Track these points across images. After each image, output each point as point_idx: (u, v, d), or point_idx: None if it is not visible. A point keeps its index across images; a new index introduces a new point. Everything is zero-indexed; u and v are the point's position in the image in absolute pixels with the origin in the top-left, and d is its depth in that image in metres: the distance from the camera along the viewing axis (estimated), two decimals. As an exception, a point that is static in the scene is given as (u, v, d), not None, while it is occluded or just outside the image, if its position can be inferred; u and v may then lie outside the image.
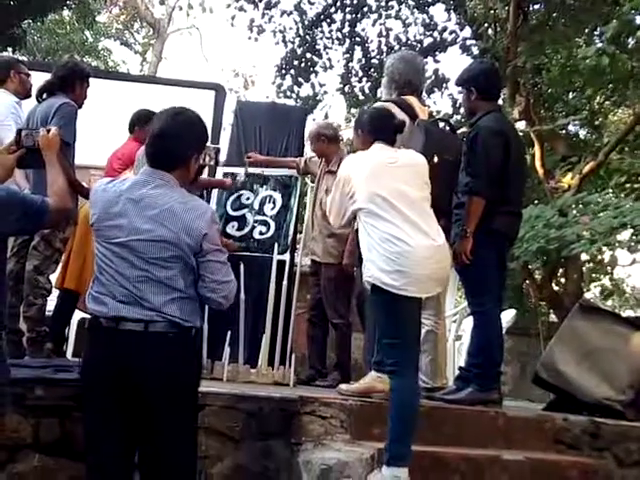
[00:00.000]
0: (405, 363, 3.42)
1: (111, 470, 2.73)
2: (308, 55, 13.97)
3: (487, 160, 4.27)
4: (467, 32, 13.09)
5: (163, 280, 2.69)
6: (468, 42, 12.97)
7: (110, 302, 2.68)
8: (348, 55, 14.02)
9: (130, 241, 2.70)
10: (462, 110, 11.48)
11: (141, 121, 5.34)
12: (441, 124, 4.51)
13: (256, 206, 5.72)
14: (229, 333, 4.90)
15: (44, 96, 4.50)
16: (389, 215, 3.53)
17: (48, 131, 3.14)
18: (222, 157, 5.78)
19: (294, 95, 13.92)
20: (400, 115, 4.27)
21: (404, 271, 3.43)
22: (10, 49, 14.29)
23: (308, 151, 6.25)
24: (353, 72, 14.10)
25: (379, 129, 3.84)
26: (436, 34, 13.47)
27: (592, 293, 14.89)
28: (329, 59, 14.16)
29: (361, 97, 14.02)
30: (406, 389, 3.40)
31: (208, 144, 3.31)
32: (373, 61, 13.88)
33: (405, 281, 3.43)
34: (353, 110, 14.23)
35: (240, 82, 22.63)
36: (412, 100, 4.66)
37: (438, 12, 29.54)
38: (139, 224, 2.71)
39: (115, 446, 2.71)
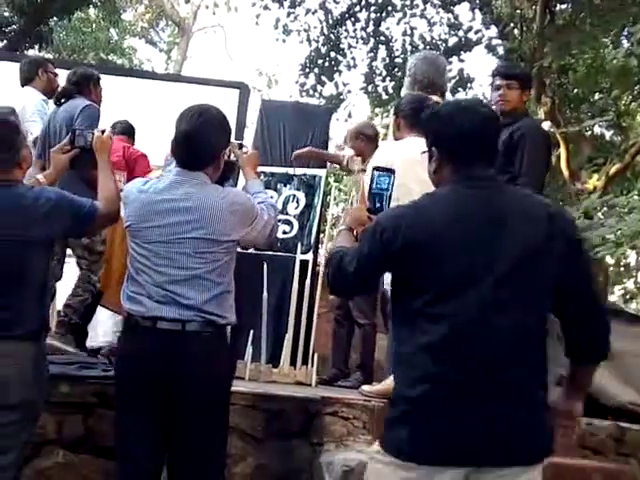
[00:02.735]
0: None
1: (143, 468, 2.75)
2: (332, 54, 13.99)
3: (539, 160, 4.23)
4: (492, 32, 13.05)
5: (206, 276, 2.72)
6: (494, 42, 12.93)
7: (147, 302, 2.71)
8: (372, 54, 14.03)
9: (172, 240, 2.73)
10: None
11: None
12: None
13: (279, 205, 5.71)
14: (251, 332, 4.90)
15: (62, 100, 4.58)
16: None
17: (102, 132, 3.16)
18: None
19: (317, 94, 13.95)
20: None
21: None
22: (37, 47, 14.43)
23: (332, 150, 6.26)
24: (377, 71, 14.11)
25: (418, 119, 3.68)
26: (461, 33, 13.42)
27: (615, 296, 14.77)
28: (353, 58, 14.20)
29: (385, 96, 14.00)
30: None
31: (232, 140, 3.32)
32: (397, 60, 13.86)
33: None
34: (377, 109, 14.21)
35: (264, 81, 22.72)
36: (434, 99, 4.63)
37: (463, 11, 29.34)
38: (181, 223, 2.74)
39: (147, 445, 2.73)
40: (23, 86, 5.08)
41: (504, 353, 2.10)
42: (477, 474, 2.09)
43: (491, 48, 12.84)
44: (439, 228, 2.15)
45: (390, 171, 2.65)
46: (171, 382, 2.67)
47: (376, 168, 2.70)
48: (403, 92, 4.79)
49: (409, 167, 3.46)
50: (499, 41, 12.76)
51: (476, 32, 13.18)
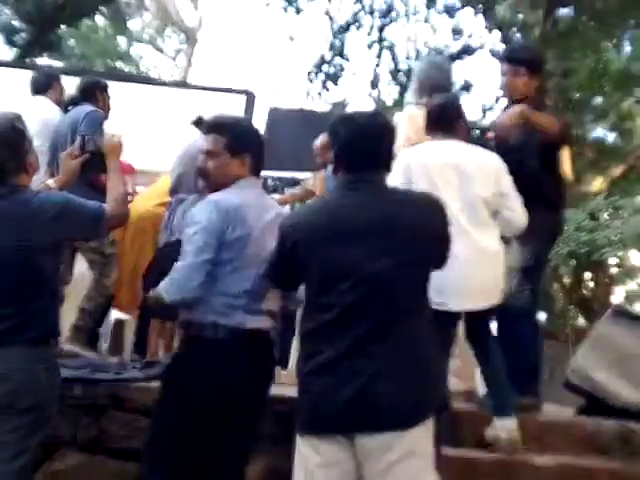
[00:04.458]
0: None
1: None
2: (337, 60, 14.04)
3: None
4: (495, 37, 13.07)
5: None
6: (497, 47, 12.94)
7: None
8: (376, 60, 14.07)
9: None
10: (489, 113, 11.48)
11: None
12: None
13: (288, 209, 5.76)
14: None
15: (69, 108, 4.66)
16: None
17: (113, 136, 3.20)
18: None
19: (322, 100, 14.00)
20: None
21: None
22: (46, 54, 14.53)
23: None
24: (381, 77, 14.14)
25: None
26: (464, 39, 13.47)
27: (618, 297, 14.75)
28: (357, 64, 14.24)
29: (389, 102, 14.03)
30: None
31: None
32: (401, 66, 13.90)
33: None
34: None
35: (268, 87, 22.75)
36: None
37: (466, 17, 29.38)
38: None
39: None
40: (35, 95, 5.11)
41: (374, 330, 2.38)
42: (360, 440, 2.35)
43: (494, 53, 12.88)
44: (313, 230, 2.51)
45: None
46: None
47: None
48: (410, 96, 4.81)
49: (439, 170, 3.49)
50: (502, 46, 12.79)
51: (479, 37, 13.26)
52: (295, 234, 2.53)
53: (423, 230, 2.52)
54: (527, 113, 3.88)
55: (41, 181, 3.31)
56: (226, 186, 2.88)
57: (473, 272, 3.40)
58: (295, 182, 5.88)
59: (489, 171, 3.55)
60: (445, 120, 3.66)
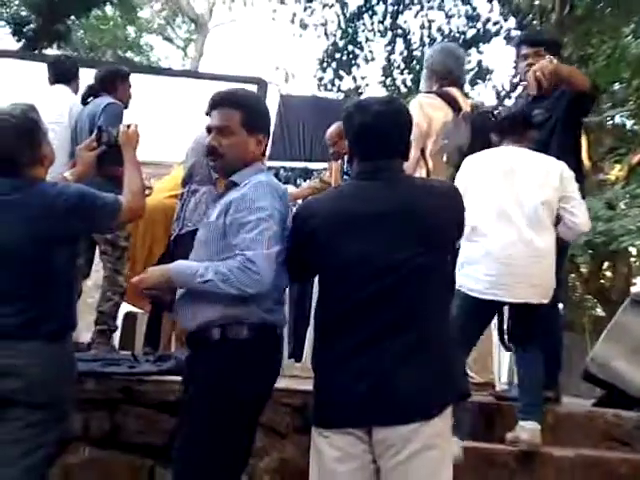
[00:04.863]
0: None
1: None
2: (350, 48, 13.97)
3: None
4: (511, 23, 12.95)
5: None
6: (512, 33, 12.82)
7: None
8: (390, 47, 14.00)
9: None
10: (507, 101, 11.37)
11: None
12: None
13: (300, 200, 5.71)
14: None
15: (89, 99, 4.59)
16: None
17: (128, 127, 3.16)
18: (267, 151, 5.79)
19: (335, 88, 13.93)
20: (443, 107, 4.22)
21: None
22: (55, 45, 14.51)
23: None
24: (395, 64, 14.05)
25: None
26: (479, 25, 13.34)
27: (637, 286, 14.64)
28: (371, 51, 14.18)
29: (403, 89, 13.95)
30: None
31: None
32: (415, 53, 13.83)
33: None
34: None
35: (281, 75, 22.69)
36: (454, 92, 4.58)
37: (481, 3, 29.23)
38: None
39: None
40: (53, 84, 4.99)
41: (392, 321, 2.33)
42: (377, 433, 2.31)
43: (510, 39, 12.76)
44: (330, 219, 2.45)
45: None
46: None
47: None
48: (422, 84, 4.74)
49: (495, 173, 3.60)
50: (518, 32, 12.66)
51: (494, 24, 13.12)
52: (310, 224, 2.47)
53: (441, 218, 2.47)
54: (559, 66, 3.88)
55: (58, 172, 3.27)
56: (239, 169, 2.66)
57: (528, 268, 3.49)
58: (308, 173, 5.82)
59: (554, 176, 3.62)
60: (517, 128, 3.76)
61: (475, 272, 3.52)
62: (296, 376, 4.74)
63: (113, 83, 4.66)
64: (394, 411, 2.30)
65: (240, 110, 2.65)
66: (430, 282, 2.43)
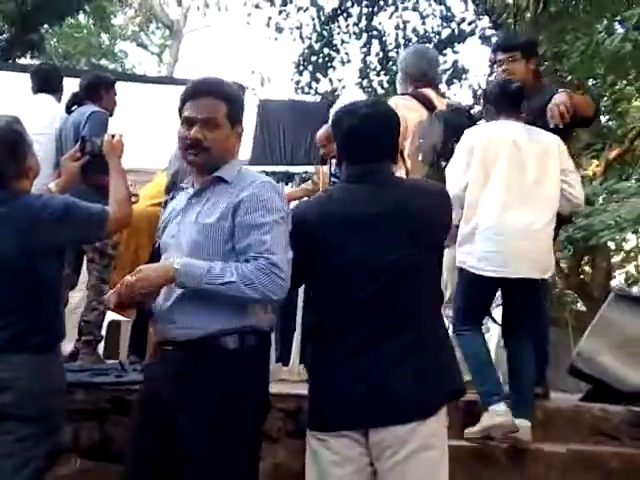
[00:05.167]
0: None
1: None
2: (325, 50, 14.00)
3: None
4: (486, 22, 13.03)
5: None
6: (487, 32, 12.91)
7: None
8: (365, 49, 14.04)
9: None
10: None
11: None
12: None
13: (294, 202, 5.69)
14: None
15: (73, 108, 4.55)
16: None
17: (113, 136, 3.14)
18: (246, 156, 5.78)
19: (312, 91, 13.94)
20: (418, 108, 4.26)
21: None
22: (29, 54, 14.40)
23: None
24: (371, 66, 14.10)
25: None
26: (454, 25, 13.42)
27: (617, 281, 14.78)
28: (347, 54, 14.23)
29: (380, 91, 13.98)
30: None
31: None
32: (391, 54, 13.86)
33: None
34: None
35: (257, 80, 22.64)
36: (429, 92, 4.62)
37: (455, 3, 29.46)
38: None
39: None
40: (37, 93, 4.93)
41: (388, 324, 2.35)
42: (374, 435, 2.30)
43: (485, 38, 12.84)
44: (322, 223, 2.45)
45: None
46: None
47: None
48: (398, 87, 4.78)
49: (498, 147, 3.64)
50: (493, 31, 12.75)
51: (469, 23, 13.20)
52: (303, 229, 2.46)
53: (432, 218, 2.50)
54: (572, 100, 3.97)
55: (43, 183, 3.25)
56: (221, 164, 2.48)
57: (528, 242, 3.56)
58: (289, 176, 5.80)
59: (552, 149, 3.71)
60: (508, 101, 3.80)
61: (475, 249, 3.57)
62: (284, 380, 4.74)
63: (98, 91, 4.62)
64: (391, 412, 2.30)
65: (226, 102, 2.48)
66: (423, 281, 2.44)
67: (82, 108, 4.50)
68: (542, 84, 4.42)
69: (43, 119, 4.63)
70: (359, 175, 2.50)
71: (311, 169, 5.78)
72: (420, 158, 4.05)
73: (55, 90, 4.93)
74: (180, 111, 2.51)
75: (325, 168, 5.26)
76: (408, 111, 4.23)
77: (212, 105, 2.46)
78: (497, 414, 3.47)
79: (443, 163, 3.84)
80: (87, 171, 3.34)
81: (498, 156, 3.64)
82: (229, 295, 2.30)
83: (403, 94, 4.61)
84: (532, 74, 4.34)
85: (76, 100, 4.60)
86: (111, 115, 4.62)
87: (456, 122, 4.13)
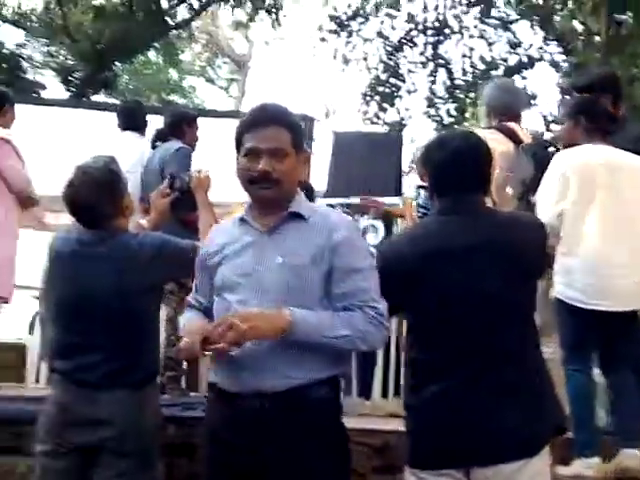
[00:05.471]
0: None
1: None
2: (392, 80, 13.99)
3: None
4: (554, 47, 12.86)
5: None
6: (556, 57, 12.75)
7: None
8: (432, 78, 13.99)
9: None
10: (553, 126, 11.28)
11: None
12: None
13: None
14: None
15: (157, 143, 4.66)
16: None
17: (199, 172, 3.20)
18: (322, 187, 5.82)
19: (380, 121, 13.95)
20: (505, 142, 4.22)
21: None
22: (102, 91, 14.84)
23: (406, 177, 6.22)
24: (438, 94, 14.06)
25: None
26: (521, 51, 13.31)
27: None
28: (413, 83, 14.17)
29: (447, 119, 13.94)
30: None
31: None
32: (457, 82, 13.80)
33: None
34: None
35: (322, 111, 22.82)
36: (514, 126, 4.58)
37: (522, 29, 29.25)
38: None
39: None
40: (124, 130, 5.09)
41: (488, 359, 2.31)
42: (477, 473, 2.25)
43: (554, 64, 12.69)
44: (418, 257, 2.40)
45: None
46: None
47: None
48: (481, 121, 4.75)
49: (588, 174, 3.53)
50: (563, 57, 12.59)
51: (538, 49, 13.06)
52: (398, 264, 2.44)
53: (528, 249, 2.46)
54: None
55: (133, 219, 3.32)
56: (292, 197, 2.34)
57: (628, 273, 3.45)
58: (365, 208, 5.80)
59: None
60: (602, 123, 3.68)
61: (572, 280, 3.47)
62: (367, 415, 4.69)
63: (181, 127, 4.72)
64: (495, 450, 2.25)
65: (289, 129, 2.32)
66: (521, 313, 2.41)
67: (167, 144, 4.61)
68: (624, 115, 4.32)
69: (131, 156, 4.74)
70: (452, 207, 2.48)
71: (387, 200, 5.77)
72: (509, 191, 4.00)
73: (140, 127, 5.07)
74: (239, 142, 2.34)
75: (410, 199, 5.26)
76: (497, 144, 4.18)
77: (277, 134, 2.30)
78: (589, 466, 3.37)
79: (532, 197, 3.77)
80: (176, 207, 3.39)
81: (595, 182, 3.53)
82: (340, 348, 2.23)
83: (488, 127, 4.58)
84: (612, 107, 4.10)
85: (160, 136, 4.72)
86: (193, 150, 4.71)
87: (543, 155, 4.08)
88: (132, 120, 5.04)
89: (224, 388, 2.27)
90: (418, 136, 12.56)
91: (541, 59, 12.96)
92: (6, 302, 4.77)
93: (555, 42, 12.71)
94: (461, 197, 2.47)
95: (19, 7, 15.18)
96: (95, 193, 2.76)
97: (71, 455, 2.69)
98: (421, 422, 2.38)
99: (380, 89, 13.92)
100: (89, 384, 2.68)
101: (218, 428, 2.28)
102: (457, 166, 2.47)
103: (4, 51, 14.00)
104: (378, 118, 13.90)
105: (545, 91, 27.56)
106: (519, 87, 5.17)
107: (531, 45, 13.10)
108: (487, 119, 4.71)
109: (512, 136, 4.39)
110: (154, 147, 4.74)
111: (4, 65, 13.20)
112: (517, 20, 13.18)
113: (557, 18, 12.14)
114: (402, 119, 14.07)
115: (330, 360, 2.24)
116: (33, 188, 4.74)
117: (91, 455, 2.69)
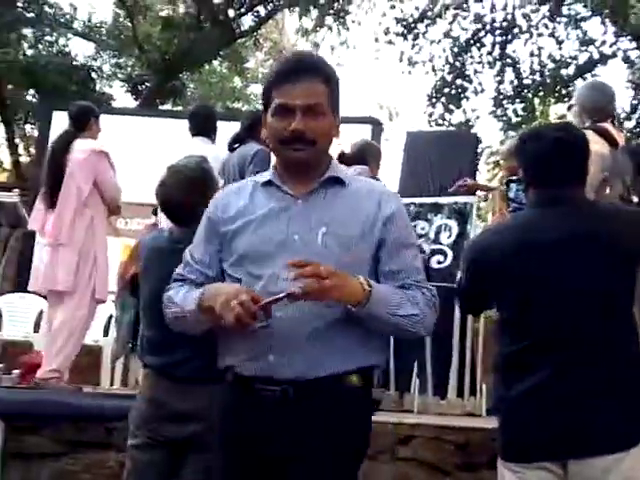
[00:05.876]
0: None
1: None
2: (458, 81, 13.88)
3: None
4: (627, 44, 12.55)
5: None
6: (630, 54, 12.44)
7: None
8: (499, 78, 13.83)
9: None
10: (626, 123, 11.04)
11: None
12: None
13: (432, 235, 5.65)
14: (416, 364, 4.87)
15: (235, 146, 4.74)
16: None
17: None
18: (395, 188, 5.80)
19: (446, 122, 13.85)
20: (600, 142, 4.14)
21: None
22: (171, 100, 15.14)
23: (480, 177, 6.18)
24: (505, 94, 13.89)
25: None
26: (592, 48, 13.04)
27: None
28: (480, 83, 14.05)
29: (515, 119, 13.76)
30: None
31: None
32: (525, 81, 13.61)
33: None
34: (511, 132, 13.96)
35: (385, 114, 22.77)
36: (607, 126, 4.51)
37: (593, 26, 28.66)
38: None
39: None
40: (194, 136, 5.15)
41: (579, 351, 2.26)
42: (574, 466, 2.20)
43: (627, 60, 12.38)
44: (514, 249, 2.36)
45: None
46: None
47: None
48: (572, 121, 4.67)
49: None
50: (637, 52, 12.29)
51: (610, 45, 12.77)
52: (493, 256, 2.42)
53: (629, 241, 2.38)
54: None
55: None
56: (327, 162, 2.07)
57: None
58: (438, 207, 5.77)
59: None
60: None
61: None
62: (443, 414, 4.66)
63: (258, 130, 4.77)
64: (593, 442, 2.21)
65: (327, 84, 2.01)
66: (620, 307, 2.36)
67: (245, 147, 4.69)
68: None
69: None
70: (551, 199, 2.43)
71: (461, 199, 5.73)
72: (607, 191, 3.94)
73: (211, 132, 5.14)
74: (267, 98, 2.04)
75: (498, 191, 5.22)
76: (592, 143, 4.11)
77: (314, 88, 1.98)
78: None
79: (635, 198, 3.69)
80: None
81: None
82: (403, 329, 1.97)
83: (582, 129, 4.50)
84: None
85: (238, 139, 4.80)
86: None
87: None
88: (203, 126, 5.11)
89: (241, 373, 2.01)
90: (485, 136, 12.44)
91: (614, 55, 12.66)
92: (103, 302, 5.03)
93: (628, 37, 12.39)
94: (560, 189, 2.42)
95: (89, 20, 15.63)
96: (187, 191, 2.81)
97: (161, 448, 2.73)
98: (515, 415, 2.34)
99: (446, 90, 13.81)
100: (181, 379, 2.70)
101: (232, 417, 2.05)
102: (560, 157, 2.42)
103: (74, 63, 14.40)
104: (444, 120, 13.81)
105: (618, 88, 26.90)
106: (612, 87, 5.08)
107: (604, 42, 12.80)
108: (578, 119, 4.64)
109: (608, 137, 4.33)
110: (231, 150, 4.83)
111: (75, 77, 13.54)
112: (589, 17, 12.87)
113: (632, 11, 11.82)
114: (468, 120, 13.95)
115: (372, 348, 2.00)
116: (121, 197, 4.93)
117: (179, 449, 2.72)
